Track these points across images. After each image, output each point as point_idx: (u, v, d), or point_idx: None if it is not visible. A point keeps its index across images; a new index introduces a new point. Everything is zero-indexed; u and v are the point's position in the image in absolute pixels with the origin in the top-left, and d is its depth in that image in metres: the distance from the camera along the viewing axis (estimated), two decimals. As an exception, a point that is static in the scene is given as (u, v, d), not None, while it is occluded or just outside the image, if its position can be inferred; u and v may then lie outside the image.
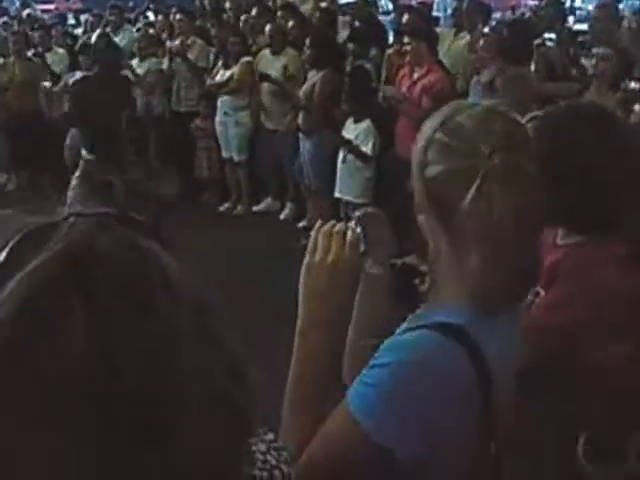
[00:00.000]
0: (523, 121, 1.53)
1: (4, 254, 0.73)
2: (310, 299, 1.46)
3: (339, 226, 1.51)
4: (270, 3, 9.87)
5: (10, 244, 0.74)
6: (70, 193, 3.73)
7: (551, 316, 1.83)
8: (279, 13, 8.84)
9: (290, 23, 8.29)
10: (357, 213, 1.58)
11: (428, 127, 1.45)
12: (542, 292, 1.89)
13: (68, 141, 8.96)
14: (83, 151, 3.93)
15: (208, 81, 8.56)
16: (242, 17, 9.30)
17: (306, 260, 1.49)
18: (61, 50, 10.05)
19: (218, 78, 8.37)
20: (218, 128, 8.46)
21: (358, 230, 1.51)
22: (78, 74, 8.93)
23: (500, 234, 1.33)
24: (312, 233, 1.52)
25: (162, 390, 0.68)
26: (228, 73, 8.25)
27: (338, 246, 1.47)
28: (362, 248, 1.50)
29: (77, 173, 3.77)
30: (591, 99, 5.00)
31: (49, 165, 9.17)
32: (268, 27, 8.21)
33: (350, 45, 7.81)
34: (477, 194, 1.33)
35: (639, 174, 1.92)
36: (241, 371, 0.75)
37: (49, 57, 9.77)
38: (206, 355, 0.72)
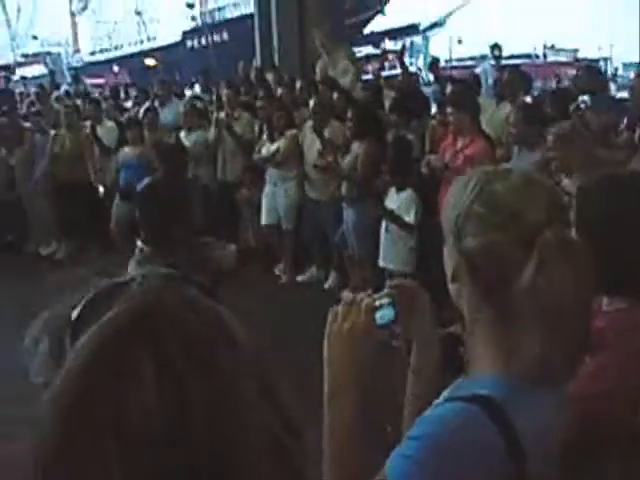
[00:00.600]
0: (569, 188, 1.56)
1: (77, 310, 0.77)
2: (331, 365, 1.52)
3: (359, 296, 1.56)
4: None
5: (83, 301, 0.78)
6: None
7: (596, 383, 1.81)
8: (320, 87, 9.01)
9: (334, 95, 8.41)
10: (389, 283, 1.64)
11: (462, 195, 1.45)
12: (587, 359, 1.87)
13: (114, 209, 9.13)
14: (139, 242, 4.09)
15: (255, 155, 8.69)
16: (280, 90, 9.51)
17: (327, 329, 1.54)
18: (111, 123, 10.33)
19: (264, 152, 8.50)
20: (265, 199, 8.56)
21: (385, 301, 1.55)
22: (127, 149, 9.16)
23: (562, 309, 1.34)
24: (333, 306, 1.56)
25: (225, 444, 0.70)
26: (274, 146, 8.38)
27: (355, 314, 1.52)
28: (391, 317, 1.55)
29: (134, 258, 3.90)
30: (636, 167, 4.98)
31: (97, 234, 9.35)
32: (312, 102, 8.35)
33: (392, 116, 7.92)
34: (536, 270, 1.33)
35: None
36: (298, 428, 0.78)
37: (99, 130, 10.05)
38: (266, 411, 0.75)
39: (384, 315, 1.55)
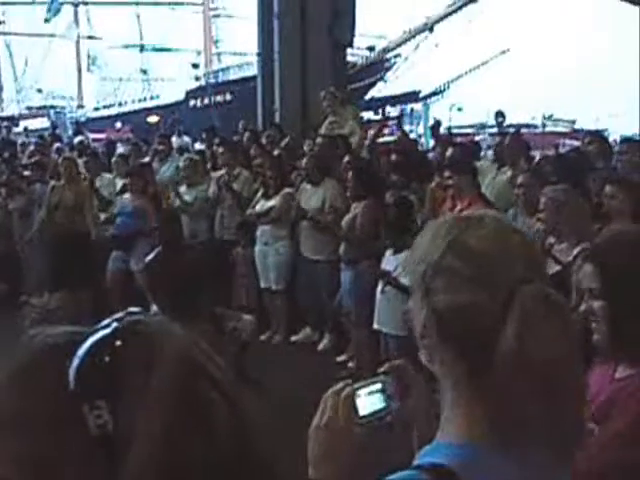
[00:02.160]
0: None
1: (107, 358, 0.75)
2: (313, 465, 1.43)
3: (338, 386, 1.46)
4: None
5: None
6: None
7: (604, 455, 1.72)
8: (318, 144, 9.04)
9: (346, 158, 8.45)
10: (381, 369, 1.54)
11: (431, 246, 1.34)
12: (596, 428, 1.78)
13: (110, 265, 9.08)
14: (153, 306, 4.12)
15: (248, 210, 8.67)
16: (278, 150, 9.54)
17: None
18: (109, 175, 10.35)
19: (258, 208, 8.48)
20: (257, 257, 8.51)
21: (372, 389, 1.46)
22: (126, 196, 9.14)
23: (550, 371, 1.22)
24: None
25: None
26: (269, 204, 8.36)
27: (331, 407, 1.43)
28: (380, 406, 1.46)
29: None
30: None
31: (91, 286, 9.26)
32: (305, 159, 8.37)
33: (392, 176, 7.92)
34: (519, 328, 1.21)
35: None
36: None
37: (98, 181, 10.04)
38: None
39: (370, 405, 1.45)
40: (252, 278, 8.64)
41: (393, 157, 8.50)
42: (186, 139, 15.71)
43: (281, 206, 8.29)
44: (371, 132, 11.76)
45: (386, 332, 6.58)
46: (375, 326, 6.73)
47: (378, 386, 1.48)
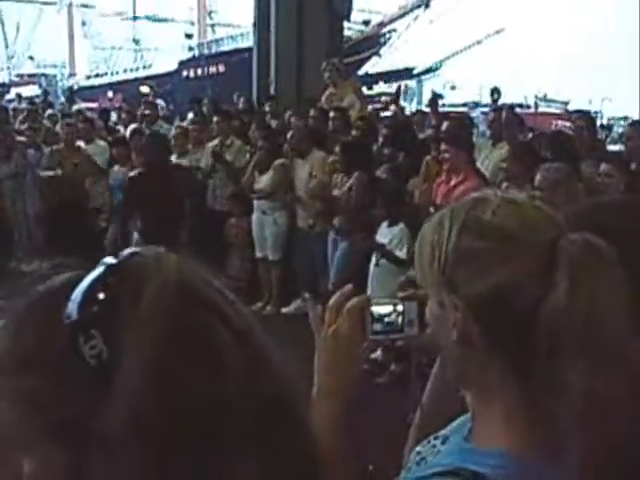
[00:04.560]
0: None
1: (102, 294, 0.75)
2: (317, 372, 1.44)
3: (358, 299, 1.43)
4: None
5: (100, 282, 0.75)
6: None
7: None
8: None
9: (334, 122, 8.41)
10: (401, 294, 1.48)
11: (440, 236, 1.18)
12: None
13: (109, 234, 9.07)
14: (135, 234, 4.05)
15: (244, 183, 8.59)
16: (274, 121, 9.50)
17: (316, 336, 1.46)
18: (102, 142, 10.29)
19: (257, 187, 8.41)
20: (255, 225, 8.50)
21: (397, 308, 1.42)
22: (117, 169, 9.10)
23: (606, 331, 1.07)
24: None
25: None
26: (264, 178, 8.31)
27: (340, 317, 1.42)
28: (397, 326, 1.44)
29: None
30: None
31: (85, 253, 9.21)
32: (291, 131, 8.35)
33: (385, 149, 7.92)
34: (570, 283, 1.08)
35: None
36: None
37: (90, 149, 9.98)
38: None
39: (385, 323, 1.42)
40: (247, 248, 8.63)
41: (384, 131, 8.50)
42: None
43: (274, 180, 8.25)
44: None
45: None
46: (368, 298, 6.71)
47: (399, 308, 1.43)
